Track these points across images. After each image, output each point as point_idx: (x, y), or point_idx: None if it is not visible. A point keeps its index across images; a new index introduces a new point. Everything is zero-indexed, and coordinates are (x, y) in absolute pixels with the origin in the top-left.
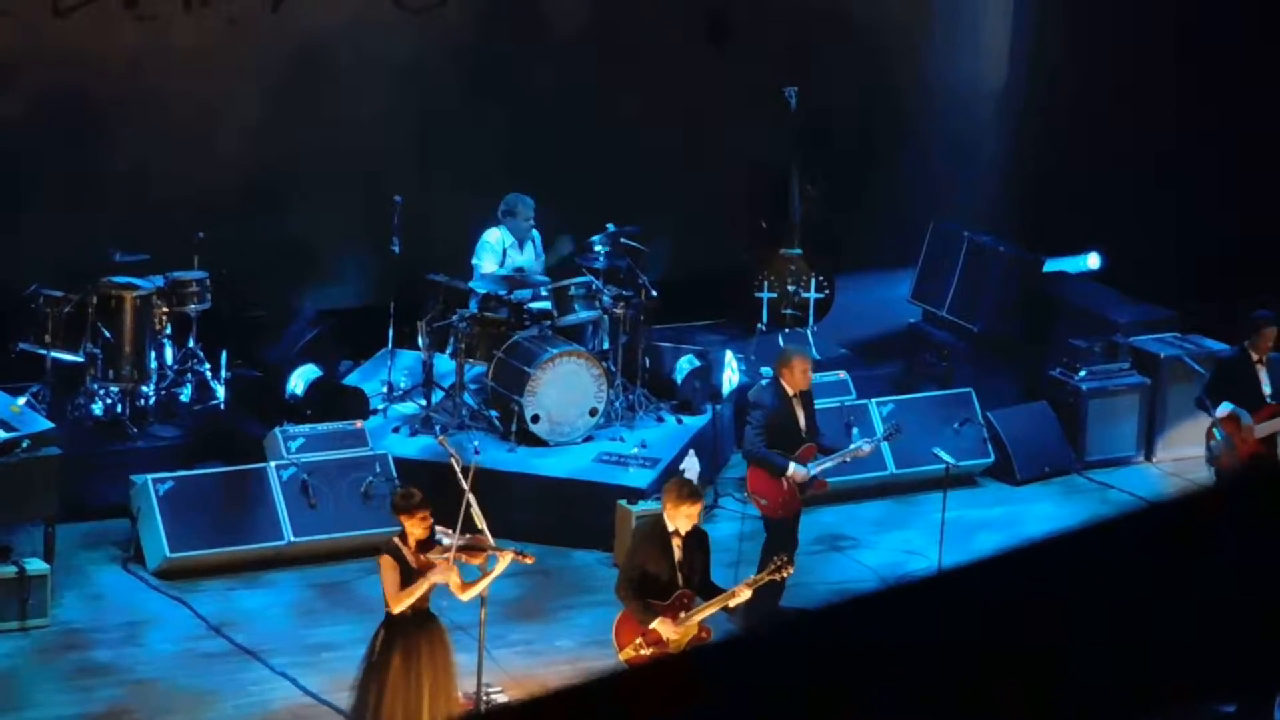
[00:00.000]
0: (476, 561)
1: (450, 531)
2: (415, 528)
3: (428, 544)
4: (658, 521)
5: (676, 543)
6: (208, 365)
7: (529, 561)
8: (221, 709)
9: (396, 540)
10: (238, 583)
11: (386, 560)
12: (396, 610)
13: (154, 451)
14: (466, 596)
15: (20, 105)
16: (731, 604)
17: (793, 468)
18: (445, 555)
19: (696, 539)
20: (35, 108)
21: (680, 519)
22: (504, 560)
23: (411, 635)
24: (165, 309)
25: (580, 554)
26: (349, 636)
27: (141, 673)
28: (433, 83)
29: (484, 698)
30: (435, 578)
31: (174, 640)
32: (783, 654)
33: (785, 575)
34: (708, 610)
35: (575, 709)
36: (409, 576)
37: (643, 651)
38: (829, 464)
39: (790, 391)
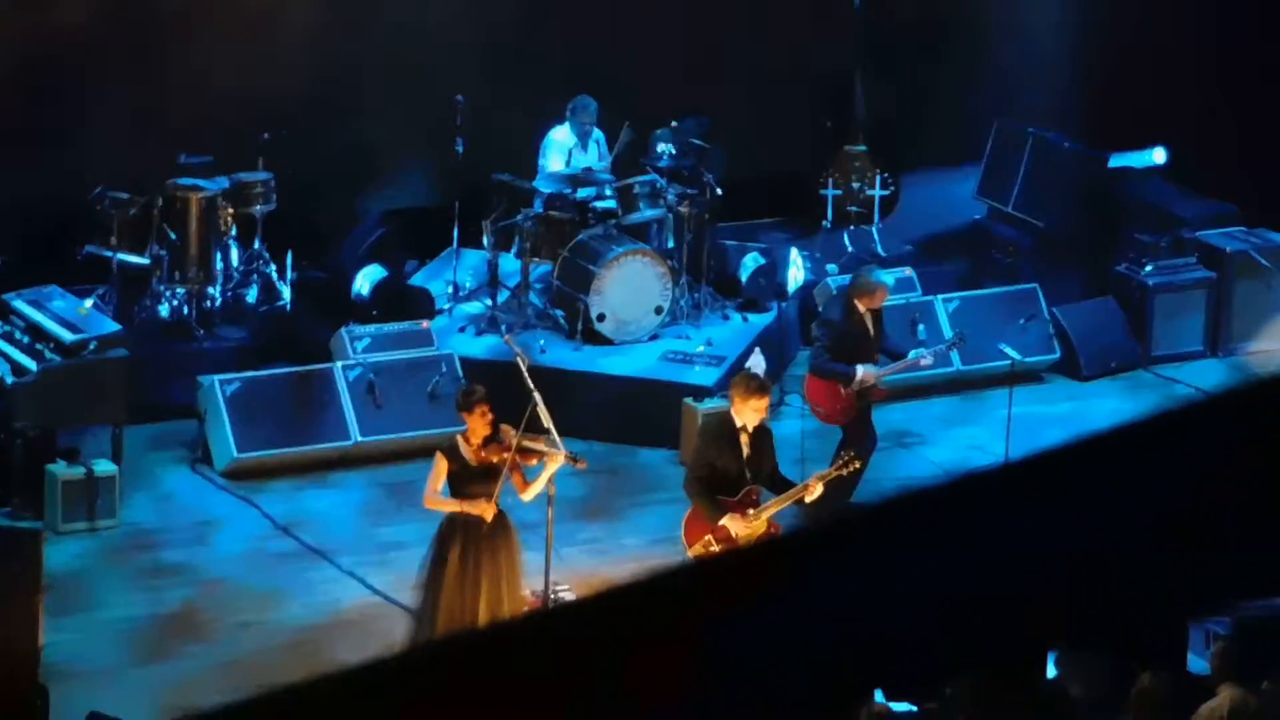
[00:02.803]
0: (532, 462)
1: (514, 430)
2: (477, 424)
3: (489, 440)
4: (725, 418)
5: (744, 439)
6: (273, 266)
7: (581, 467)
8: (290, 608)
9: (459, 439)
10: (305, 483)
11: (439, 458)
12: (427, 505)
13: (220, 353)
14: (526, 497)
15: (83, 13)
16: (805, 498)
17: (861, 371)
18: (503, 454)
19: (763, 435)
20: (98, 15)
21: (748, 414)
22: (553, 463)
23: (473, 533)
24: (230, 210)
25: (646, 452)
26: (416, 536)
27: (210, 572)
28: None
29: (551, 595)
30: (463, 506)
31: (242, 540)
32: (849, 548)
33: (851, 470)
34: (777, 506)
35: (643, 605)
36: (466, 475)
37: (712, 548)
38: (895, 367)
39: (862, 309)
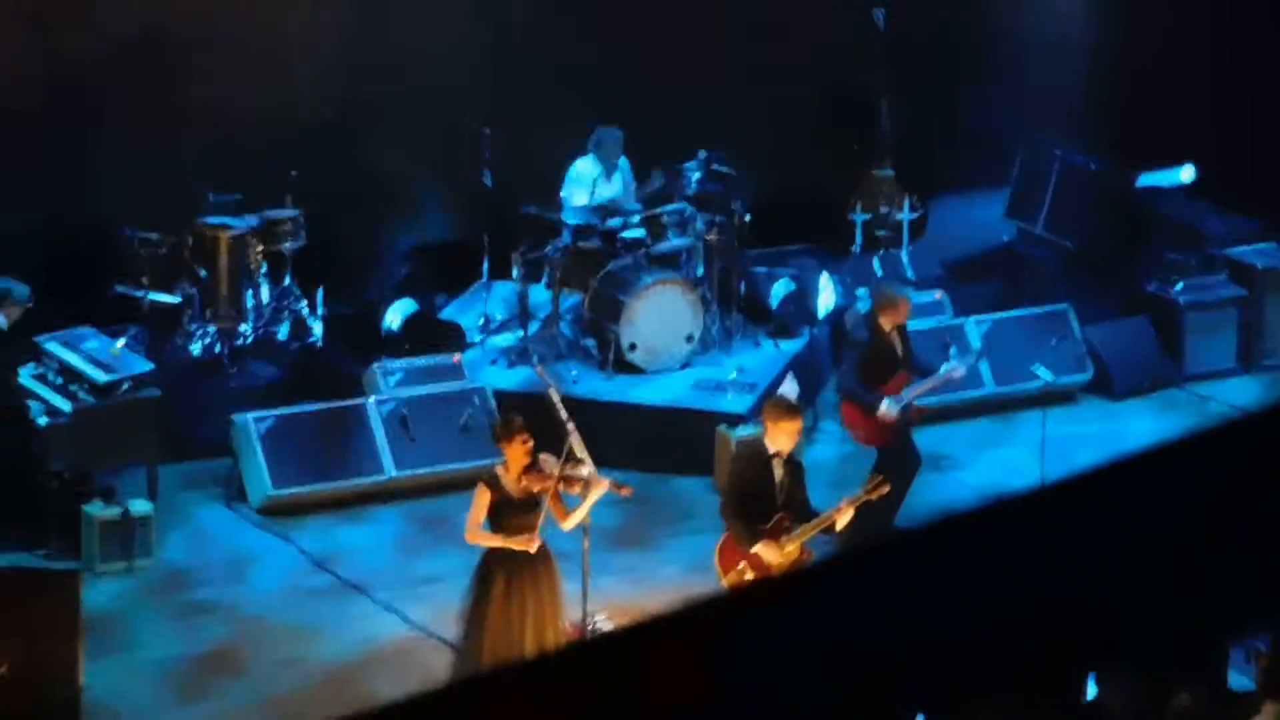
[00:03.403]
0: (576, 490)
1: (553, 459)
2: (517, 454)
3: (529, 470)
4: (758, 444)
5: (777, 464)
6: (304, 303)
7: (625, 494)
8: (328, 643)
9: (499, 470)
10: (340, 518)
11: (481, 490)
12: (470, 540)
13: (253, 390)
14: (567, 526)
15: (99, 45)
16: (837, 524)
17: (884, 407)
18: (545, 483)
19: (795, 464)
20: (114, 48)
21: (780, 438)
22: (598, 489)
23: (516, 565)
24: (260, 247)
25: (680, 481)
26: (452, 568)
27: (247, 610)
28: (515, 15)
29: (589, 625)
30: (517, 544)
31: (278, 577)
32: (882, 573)
33: (881, 494)
34: (810, 531)
35: (681, 633)
36: (508, 507)
37: (746, 576)
38: (923, 388)
39: (888, 327)
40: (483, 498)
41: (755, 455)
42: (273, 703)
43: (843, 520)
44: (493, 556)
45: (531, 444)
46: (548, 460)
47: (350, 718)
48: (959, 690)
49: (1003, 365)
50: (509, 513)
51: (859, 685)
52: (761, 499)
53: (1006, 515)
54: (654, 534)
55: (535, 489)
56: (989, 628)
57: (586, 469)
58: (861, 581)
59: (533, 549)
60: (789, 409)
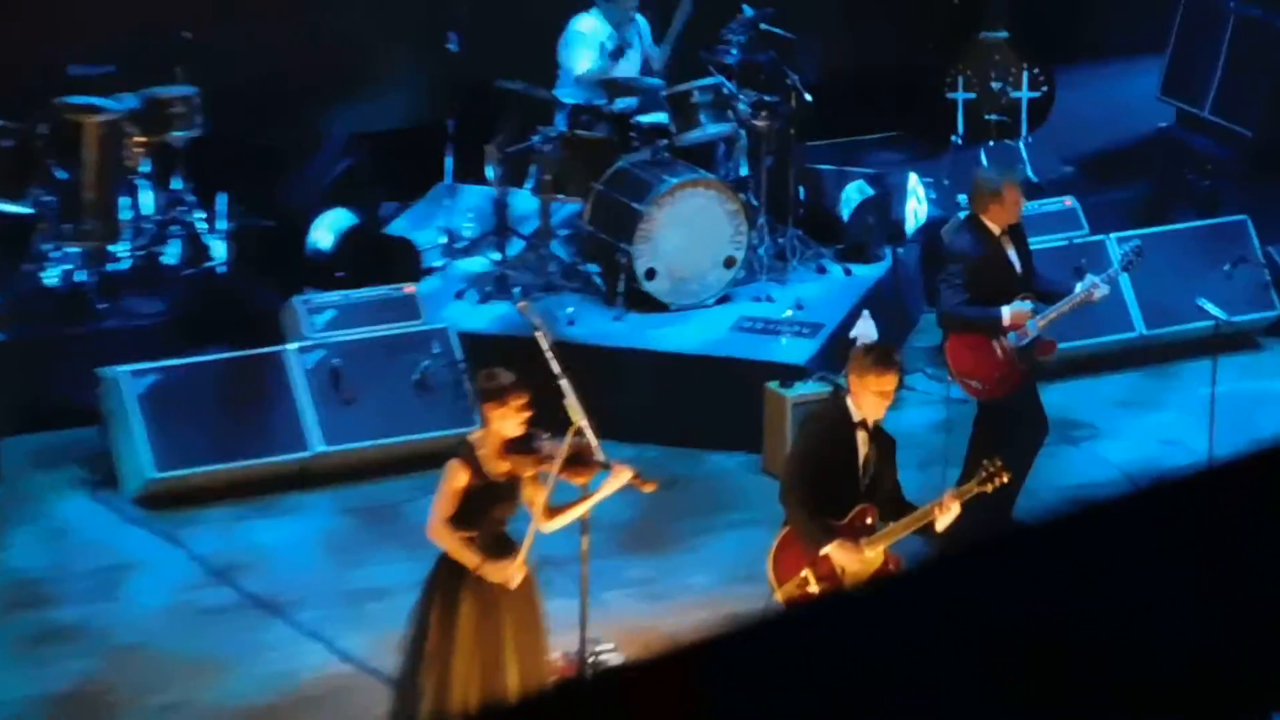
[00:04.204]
0: (581, 480)
1: (545, 435)
2: (508, 421)
3: (519, 446)
4: (835, 407)
5: (862, 438)
6: (201, 214)
7: (650, 490)
8: (230, 681)
9: (474, 440)
10: (248, 510)
11: (455, 469)
12: (431, 536)
13: (130, 334)
14: (550, 526)
15: None
16: (937, 524)
17: (1009, 311)
18: (545, 468)
19: (885, 439)
20: None
21: (869, 399)
22: (616, 479)
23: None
24: (141, 138)
25: (716, 458)
26: (402, 580)
27: (121, 636)
28: None
29: (590, 659)
30: (496, 573)
31: (163, 591)
32: (996, 584)
33: (998, 484)
34: (899, 533)
35: (717, 669)
36: (485, 493)
37: (810, 588)
38: (1053, 314)
39: (996, 229)
40: (457, 479)
41: (834, 423)
42: None
43: (945, 519)
44: (453, 562)
45: (529, 409)
46: (542, 436)
47: None
48: None
49: (1157, 300)
50: (485, 502)
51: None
52: (838, 485)
53: (1165, 503)
54: (679, 531)
55: (525, 473)
56: (1142, 654)
57: (597, 454)
58: (968, 596)
59: (514, 582)
60: (883, 358)
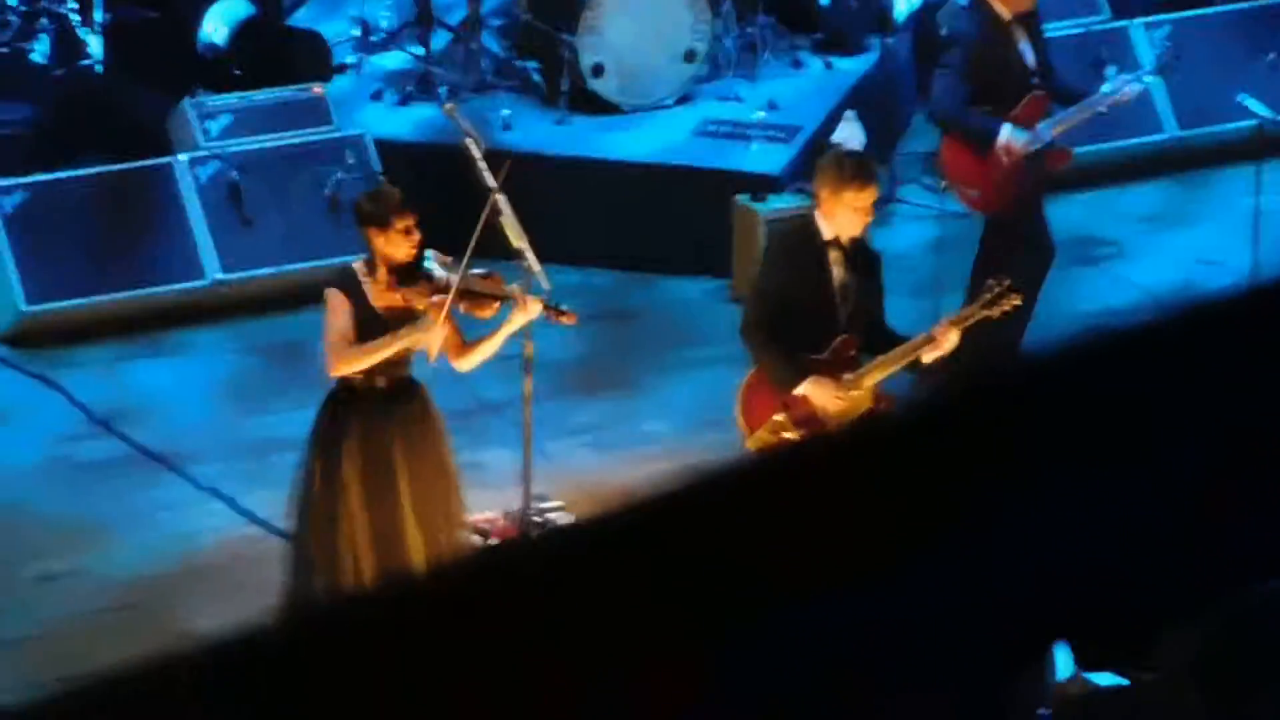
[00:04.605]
0: (484, 313)
1: (450, 261)
2: (393, 246)
3: (411, 274)
4: (805, 226)
5: (836, 257)
6: (73, 3)
7: (568, 321)
8: (117, 547)
9: (358, 268)
10: (134, 349)
11: (334, 297)
12: (336, 373)
13: None
14: (466, 364)
15: None
16: (926, 356)
17: (1007, 133)
18: (437, 297)
19: (865, 258)
20: None
21: (843, 214)
22: (524, 311)
23: (376, 419)
24: None
25: (677, 284)
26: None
27: None
28: None
29: (534, 518)
30: (409, 338)
31: (38, 443)
32: (1004, 427)
33: (1005, 309)
34: (887, 367)
35: (677, 529)
36: (371, 324)
37: (786, 434)
38: (1072, 117)
39: (1005, 14)
40: (338, 305)
41: (802, 242)
42: (31, 644)
43: (939, 350)
44: (337, 408)
45: (418, 233)
46: (442, 261)
47: (149, 665)
48: (1128, 619)
49: (1190, 96)
50: (371, 338)
51: (960, 605)
52: (811, 315)
53: (1200, 331)
54: (635, 370)
55: (417, 305)
56: (1169, 518)
57: (501, 284)
58: (970, 441)
59: (435, 344)
60: (856, 171)
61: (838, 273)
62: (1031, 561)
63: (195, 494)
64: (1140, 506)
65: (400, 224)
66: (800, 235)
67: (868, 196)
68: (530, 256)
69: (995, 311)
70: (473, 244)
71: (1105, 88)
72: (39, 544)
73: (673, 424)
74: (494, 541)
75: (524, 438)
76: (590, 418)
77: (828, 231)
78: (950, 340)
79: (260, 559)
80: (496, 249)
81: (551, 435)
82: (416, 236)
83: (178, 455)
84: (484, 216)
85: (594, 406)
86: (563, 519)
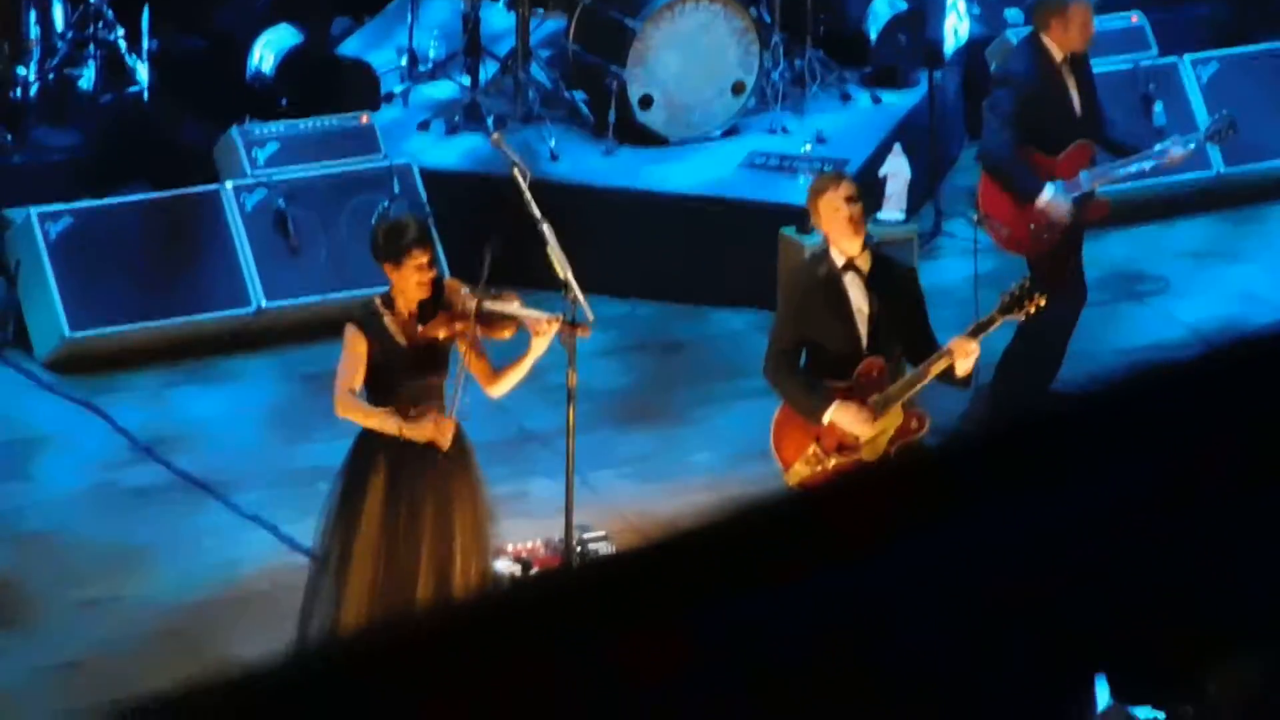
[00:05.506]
0: (504, 334)
1: (464, 290)
2: (409, 282)
3: (428, 307)
4: (816, 256)
5: (852, 280)
6: (120, 30)
7: (583, 335)
8: (159, 574)
9: (380, 304)
10: (179, 376)
11: (351, 336)
12: (341, 413)
13: (39, 171)
14: (497, 390)
15: None
16: (959, 367)
17: (1047, 195)
18: (454, 325)
19: (890, 276)
20: None
21: (836, 225)
22: (544, 333)
23: (406, 453)
24: None
25: (723, 315)
26: None
27: (32, 523)
28: None
29: (577, 548)
30: (410, 431)
31: (81, 470)
32: (1040, 462)
33: (1033, 309)
34: (913, 385)
35: (720, 562)
36: (396, 362)
37: (824, 464)
38: (1116, 174)
39: (1058, 54)
40: (355, 347)
41: (813, 272)
42: (71, 669)
43: (964, 361)
44: (369, 442)
45: (432, 270)
46: (456, 289)
47: (191, 689)
48: (1168, 653)
49: (1240, 135)
50: (397, 373)
51: (1006, 639)
52: (831, 339)
53: (1245, 367)
54: (680, 402)
55: (439, 335)
56: (1213, 554)
57: (517, 307)
58: (1017, 474)
59: (445, 441)
60: (831, 175)
61: (855, 296)
62: (1074, 594)
63: (238, 521)
64: (1185, 540)
65: (412, 261)
66: (811, 265)
67: (844, 191)
68: (575, 287)
69: (1018, 314)
70: (485, 271)
71: (1157, 147)
72: (82, 570)
73: (718, 455)
74: (535, 570)
75: (567, 468)
76: (635, 449)
77: (840, 257)
78: (971, 349)
79: (303, 587)
80: (544, 279)
81: (596, 466)
82: (431, 274)
83: (221, 482)
84: (487, 255)
85: (639, 437)
86: (605, 549)
